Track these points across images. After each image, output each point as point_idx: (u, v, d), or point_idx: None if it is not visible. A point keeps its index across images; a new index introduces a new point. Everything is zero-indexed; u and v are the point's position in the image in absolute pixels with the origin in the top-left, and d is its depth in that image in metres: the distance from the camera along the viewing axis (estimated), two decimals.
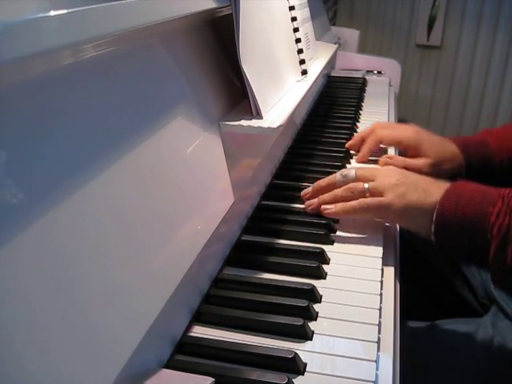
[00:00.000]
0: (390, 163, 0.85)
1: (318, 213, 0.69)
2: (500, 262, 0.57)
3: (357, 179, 0.69)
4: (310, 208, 0.70)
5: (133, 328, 0.36)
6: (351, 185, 0.68)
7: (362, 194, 0.66)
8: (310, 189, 0.73)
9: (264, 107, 0.60)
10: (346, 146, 0.94)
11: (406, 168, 0.83)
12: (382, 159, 0.88)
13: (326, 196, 0.69)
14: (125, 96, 0.42)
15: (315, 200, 0.70)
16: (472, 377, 0.70)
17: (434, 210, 0.61)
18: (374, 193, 0.65)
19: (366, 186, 0.66)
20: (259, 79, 0.61)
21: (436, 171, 0.84)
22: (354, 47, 1.85)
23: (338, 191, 0.68)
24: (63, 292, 0.31)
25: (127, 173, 0.40)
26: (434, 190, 0.63)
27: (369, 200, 0.65)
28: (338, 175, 0.71)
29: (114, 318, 0.35)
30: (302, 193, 0.74)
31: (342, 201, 0.67)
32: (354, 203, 0.66)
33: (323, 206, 0.68)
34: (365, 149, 0.91)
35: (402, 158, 0.87)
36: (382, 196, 0.65)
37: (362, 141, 0.92)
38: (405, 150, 0.90)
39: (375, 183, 0.66)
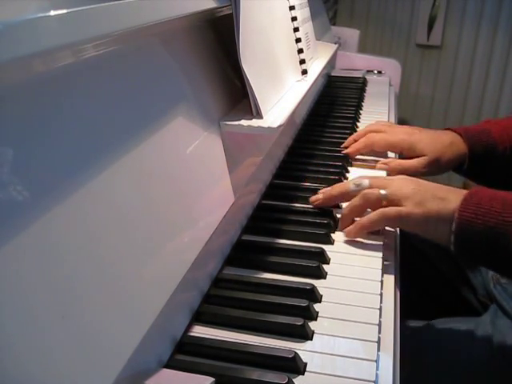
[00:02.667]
0: (385, 169, 0.85)
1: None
2: None
3: (370, 188, 0.66)
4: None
5: (133, 328, 0.36)
6: (367, 191, 0.65)
7: (379, 201, 0.64)
8: (320, 196, 0.71)
9: (264, 107, 0.60)
10: (344, 152, 0.92)
11: (404, 170, 0.83)
12: (378, 165, 0.87)
13: (345, 211, 0.67)
14: (125, 96, 0.42)
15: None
16: (472, 376, 0.69)
17: (452, 218, 0.58)
18: (391, 200, 0.63)
19: (383, 192, 0.64)
20: (259, 79, 0.61)
21: (435, 167, 0.83)
22: (354, 47, 1.85)
23: (353, 201, 0.66)
24: (63, 292, 0.31)
25: (127, 172, 0.40)
26: (451, 197, 0.60)
27: (387, 210, 0.62)
28: (351, 184, 0.68)
29: (114, 317, 0.35)
30: (312, 198, 0.72)
31: (359, 210, 0.66)
32: (372, 217, 0.63)
33: (345, 230, 0.66)
34: (356, 146, 0.90)
35: (397, 162, 0.86)
36: (400, 204, 0.62)
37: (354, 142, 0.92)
38: (400, 154, 0.89)
39: (392, 190, 0.63)
